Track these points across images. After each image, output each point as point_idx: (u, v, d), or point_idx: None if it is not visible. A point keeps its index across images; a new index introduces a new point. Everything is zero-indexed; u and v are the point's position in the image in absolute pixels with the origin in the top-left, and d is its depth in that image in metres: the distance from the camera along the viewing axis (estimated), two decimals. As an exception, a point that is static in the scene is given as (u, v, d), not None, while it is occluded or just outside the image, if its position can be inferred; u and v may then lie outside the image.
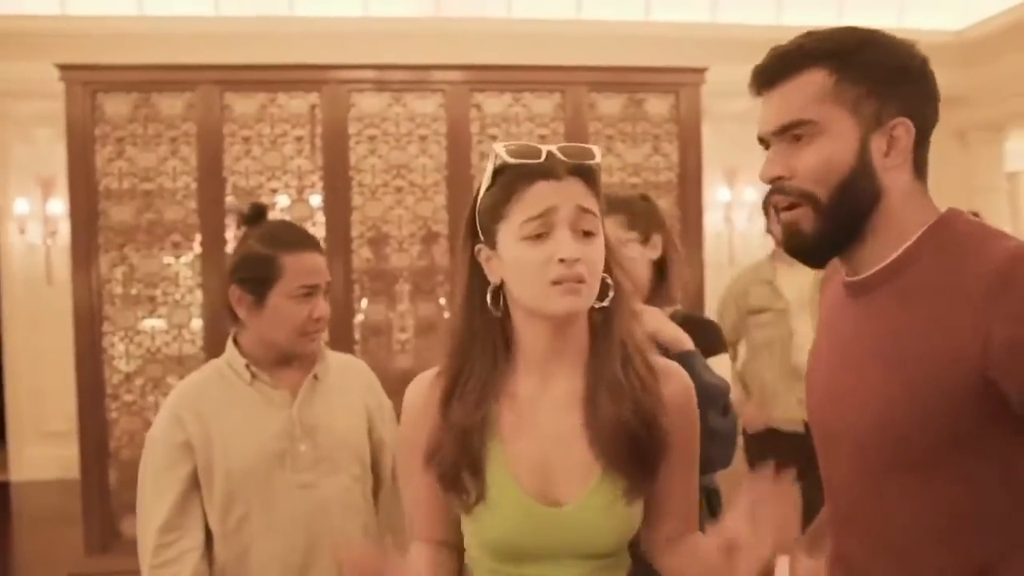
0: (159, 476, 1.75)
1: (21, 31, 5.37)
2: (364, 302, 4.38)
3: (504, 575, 1.24)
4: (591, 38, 5.63)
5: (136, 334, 4.27)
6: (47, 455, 6.46)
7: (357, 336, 4.33)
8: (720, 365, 1.90)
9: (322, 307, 1.80)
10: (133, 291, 4.27)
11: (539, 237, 1.16)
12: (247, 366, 1.80)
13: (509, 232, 1.19)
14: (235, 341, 1.84)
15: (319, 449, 1.78)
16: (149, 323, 4.30)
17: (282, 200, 4.40)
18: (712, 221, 7.22)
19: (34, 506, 6.18)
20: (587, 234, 1.18)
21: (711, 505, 1.97)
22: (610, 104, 4.52)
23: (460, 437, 1.21)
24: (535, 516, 1.20)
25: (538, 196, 1.17)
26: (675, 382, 1.26)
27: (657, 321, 1.81)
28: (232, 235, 4.12)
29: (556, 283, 1.16)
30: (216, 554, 1.76)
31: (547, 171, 1.18)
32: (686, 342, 1.82)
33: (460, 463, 1.21)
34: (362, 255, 4.34)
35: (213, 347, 4.19)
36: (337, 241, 4.27)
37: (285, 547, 1.75)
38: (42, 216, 6.43)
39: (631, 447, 1.19)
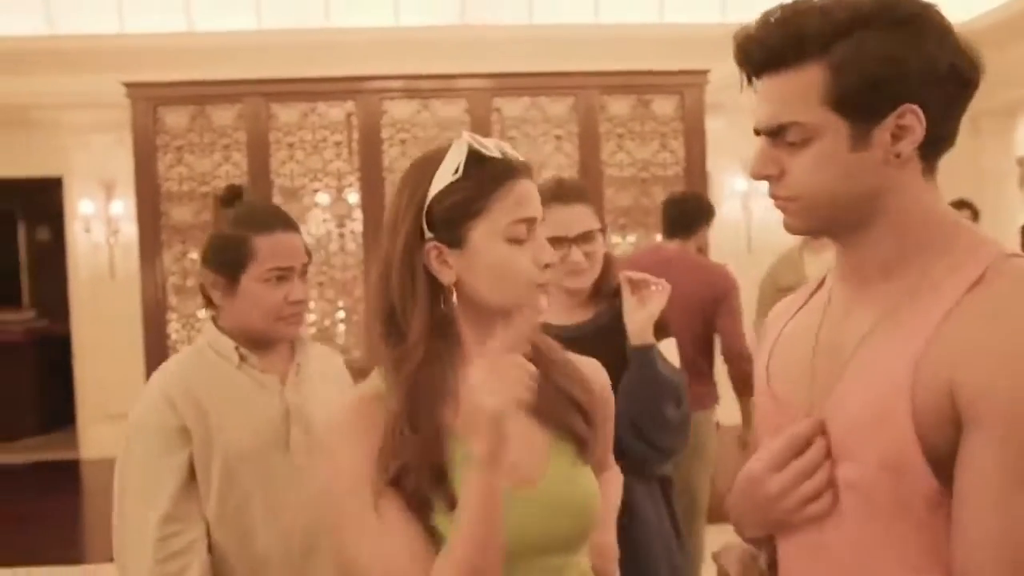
0: (154, 464, 1.61)
1: (81, 48, 5.81)
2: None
3: None
4: (606, 40, 5.97)
5: (196, 321, 4.75)
6: (113, 435, 6.87)
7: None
8: (668, 348, 1.96)
9: (299, 290, 1.69)
10: (194, 283, 4.73)
11: (522, 240, 1.13)
12: (236, 348, 1.69)
13: (490, 230, 1.12)
14: (216, 325, 1.72)
15: (310, 434, 1.68)
16: (208, 312, 4.76)
17: (322, 198, 4.83)
18: (730, 210, 7.53)
19: (102, 481, 6.63)
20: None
21: (665, 492, 2.00)
22: (620, 105, 4.90)
23: (425, 450, 1.10)
24: (515, 503, 1.11)
25: (525, 197, 1.14)
26: (590, 372, 1.32)
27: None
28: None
29: (540, 287, 1.15)
30: (215, 540, 1.63)
31: (522, 169, 1.16)
32: (647, 336, 1.86)
33: (431, 476, 1.10)
34: (396, 247, 4.77)
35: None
36: (373, 235, 4.71)
37: (287, 530, 1.65)
38: (105, 216, 6.82)
39: (576, 413, 1.21)
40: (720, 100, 6.18)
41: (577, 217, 1.91)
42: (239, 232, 1.67)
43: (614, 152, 4.89)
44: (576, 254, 1.88)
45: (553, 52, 5.72)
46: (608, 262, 1.97)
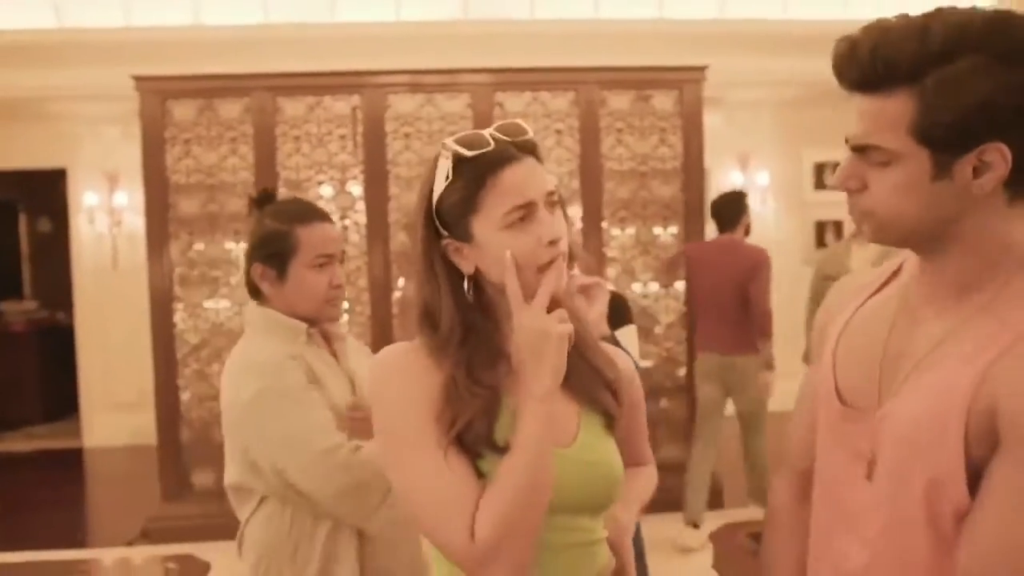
0: (303, 394, 1.72)
1: (90, 41, 5.85)
2: (401, 281, 4.86)
3: None
4: (606, 36, 6.04)
5: (203, 311, 4.83)
6: (116, 423, 6.99)
7: (395, 311, 4.86)
8: (628, 335, 2.14)
9: (339, 275, 1.84)
10: (199, 273, 4.82)
11: (522, 223, 1.18)
12: (307, 327, 1.82)
13: (487, 223, 1.19)
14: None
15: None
16: (213, 301, 4.86)
17: (326, 191, 4.90)
18: (726, 204, 7.66)
19: (106, 469, 6.70)
20: (553, 207, 1.22)
21: None
22: (619, 100, 4.97)
23: (485, 406, 1.18)
24: (555, 459, 1.18)
25: (513, 184, 1.18)
26: (616, 357, 1.38)
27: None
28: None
29: (546, 266, 1.18)
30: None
31: (508, 156, 1.19)
32: (603, 328, 1.99)
33: (487, 427, 1.18)
34: (399, 239, 4.82)
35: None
36: (376, 227, 4.79)
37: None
38: (108, 207, 6.90)
39: (605, 388, 1.28)
40: (717, 95, 6.28)
41: None
42: (283, 226, 1.81)
43: (614, 146, 4.98)
44: None
45: (554, 47, 5.79)
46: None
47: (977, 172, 0.98)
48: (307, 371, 1.77)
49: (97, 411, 7.15)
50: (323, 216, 1.86)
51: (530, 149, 1.22)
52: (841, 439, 1.15)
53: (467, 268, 1.22)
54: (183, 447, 4.81)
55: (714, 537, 2.99)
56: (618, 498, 1.30)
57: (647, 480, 1.53)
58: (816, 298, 4.36)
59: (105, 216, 6.95)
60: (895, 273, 1.19)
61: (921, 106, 0.97)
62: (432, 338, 1.23)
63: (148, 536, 4.74)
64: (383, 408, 1.21)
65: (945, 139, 0.97)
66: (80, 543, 4.93)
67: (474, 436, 1.17)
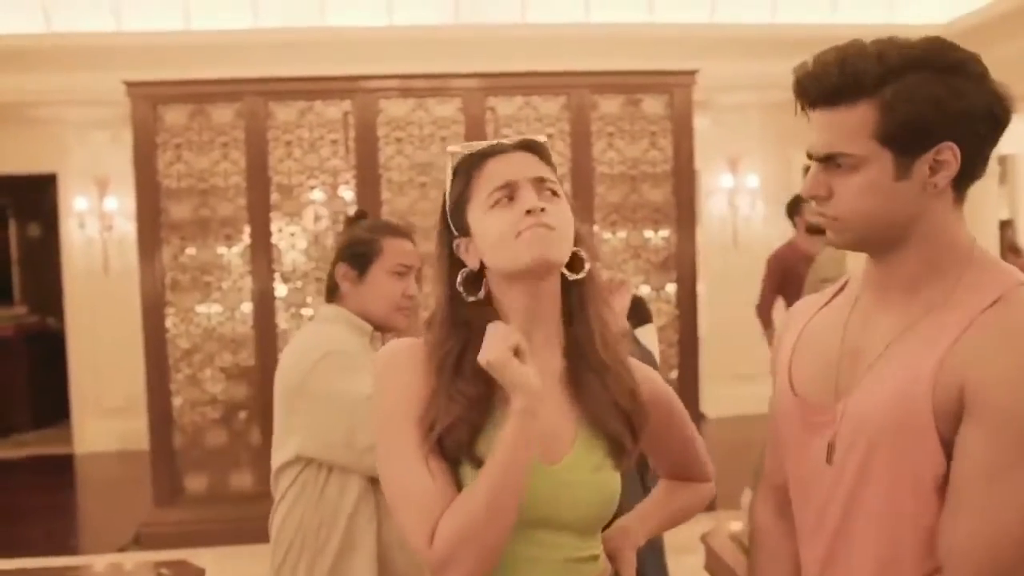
0: (365, 361, 1.83)
1: (80, 46, 5.84)
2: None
3: (506, 552, 1.20)
4: (597, 40, 6.07)
5: (194, 315, 4.83)
6: (107, 429, 6.96)
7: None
8: (647, 334, 2.22)
9: (413, 287, 1.99)
10: (191, 278, 4.81)
11: (507, 202, 1.22)
12: (373, 331, 1.98)
13: (477, 209, 1.24)
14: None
15: None
16: (204, 306, 4.86)
17: (318, 195, 4.90)
18: (716, 206, 7.65)
19: (97, 474, 6.68)
20: (553, 193, 1.25)
21: (641, 474, 2.16)
22: (610, 104, 4.99)
23: (470, 403, 1.20)
24: (538, 474, 1.19)
25: (496, 170, 1.24)
26: (643, 380, 1.34)
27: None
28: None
29: (524, 231, 1.20)
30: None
31: (497, 149, 1.27)
32: (622, 324, 2.05)
33: (472, 428, 1.20)
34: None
35: (262, 327, 4.76)
36: (369, 231, 4.80)
37: None
38: (99, 212, 6.87)
39: (616, 414, 1.26)
40: (708, 99, 6.31)
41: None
42: (372, 235, 2.00)
43: (604, 150, 5.00)
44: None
45: (545, 52, 5.81)
46: None
47: (933, 171, 1.11)
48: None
49: (88, 417, 7.12)
50: (408, 234, 2.04)
51: (528, 145, 1.28)
52: (803, 438, 1.24)
53: (472, 262, 1.26)
54: (175, 452, 4.80)
55: (706, 538, 3.02)
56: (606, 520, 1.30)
57: (689, 497, 1.47)
58: None
59: (96, 221, 6.92)
60: (841, 288, 1.32)
61: (882, 113, 1.10)
62: (428, 332, 1.27)
63: (140, 542, 4.72)
64: (379, 400, 1.25)
65: (905, 140, 1.10)
66: (72, 550, 4.92)
67: (454, 444, 1.19)
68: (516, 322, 1.24)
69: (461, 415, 1.19)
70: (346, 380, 1.83)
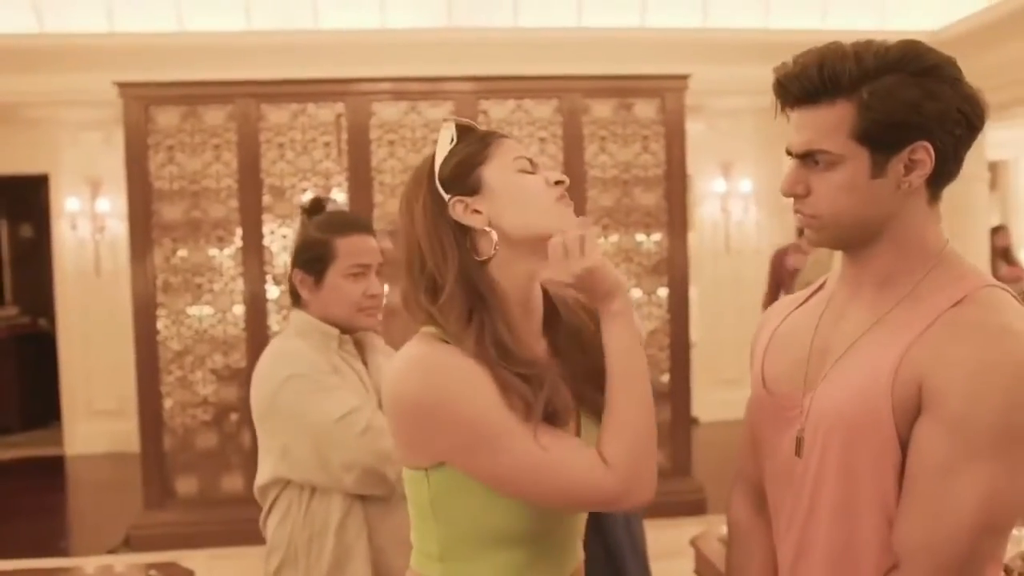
0: (323, 377, 1.82)
1: (72, 46, 5.82)
2: (386, 287, 4.89)
3: (526, 561, 1.23)
4: (589, 44, 6.08)
5: (186, 317, 4.82)
6: (97, 431, 6.93)
7: (379, 316, 4.86)
8: None
9: (375, 285, 1.92)
10: (182, 280, 4.81)
11: (530, 171, 1.25)
12: (340, 334, 1.91)
13: (500, 167, 1.23)
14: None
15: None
16: (196, 308, 4.85)
17: (310, 197, 4.90)
18: (709, 211, 7.67)
19: (87, 476, 6.66)
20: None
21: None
22: (602, 108, 5.00)
23: (540, 377, 1.20)
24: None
25: (516, 147, 1.27)
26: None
27: None
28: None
29: (560, 200, 1.23)
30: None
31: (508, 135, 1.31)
32: None
33: (563, 393, 1.22)
34: (383, 245, 4.84)
35: (254, 329, 4.75)
36: (361, 234, 4.79)
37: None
38: (91, 214, 6.86)
39: (600, 387, 1.23)
40: (700, 103, 6.32)
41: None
42: (323, 236, 1.91)
43: (597, 154, 5.00)
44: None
45: (538, 55, 5.81)
46: None
47: (908, 169, 1.15)
48: (332, 371, 1.85)
49: (79, 418, 7.09)
50: (363, 228, 1.95)
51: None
52: (775, 433, 1.27)
53: (480, 222, 1.22)
54: (166, 455, 4.79)
55: (695, 542, 3.03)
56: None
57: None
58: None
59: (87, 222, 6.91)
60: (819, 288, 1.35)
61: (859, 112, 1.13)
62: (433, 304, 1.22)
63: (130, 544, 4.71)
64: (448, 412, 1.17)
65: (881, 138, 1.13)
66: (62, 551, 4.90)
67: (557, 410, 1.20)
68: (516, 298, 1.24)
69: (543, 384, 1.18)
70: (308, 404, 1.79)
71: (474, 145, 1.24)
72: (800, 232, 5.09)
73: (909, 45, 1.14)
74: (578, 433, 1.25)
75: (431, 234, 1.23)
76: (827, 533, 1.19)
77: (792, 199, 1.23)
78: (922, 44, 1.14)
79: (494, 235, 1.22)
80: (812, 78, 1.14)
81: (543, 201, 1.22)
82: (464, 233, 1.23)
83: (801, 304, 1.36)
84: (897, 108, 1.11)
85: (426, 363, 1.19)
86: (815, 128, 1.15)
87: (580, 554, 1.34)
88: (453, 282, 1.21)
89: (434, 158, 1.26)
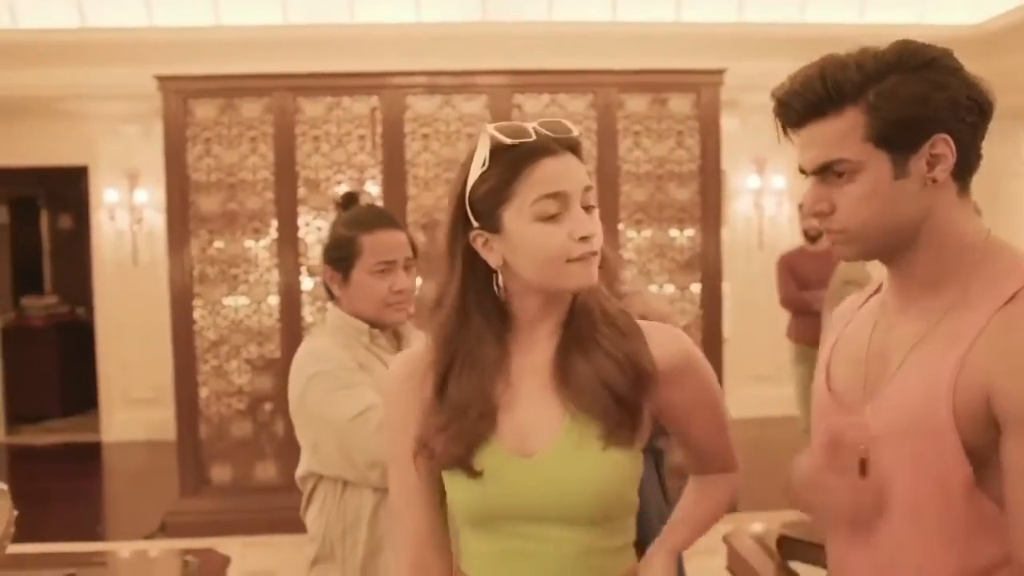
0: (346, 374, 1.83)
1: (112, 41, 5.92)
2: (419, 280, 4.91)
3: (498, 549, 1.23)
4: (623, 38, 6.06)
5: (222, 308, 4.88)
6: (134, 419, 7.06)
7: (412, 309, 4.89)
8: None
9: (402, 280, 1.90)
10: (218, 271, 4.88)
11: (554, 217, 1.16)
12: (369, 328, 1.92)
13: (519, 212, 1.17)
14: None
15: None
16: (231, 299, 4.91)
17: (344, 190, 4.92)
18: (742, 207, 7.62)
19: (124, 463, 6.78)
20: (589, 208, 1.19)
21: (657, 463, 2.14)
22: (637, 103, 4.99)
23: (460, 415, 1.20)
24: (510, 467, 1.19)
25: (547, 174, 1.16)
26: (663, 342, 1.25)
27: (643, 304, 2.04)
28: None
29: (575, 260, 1.16)
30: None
31: (547, 148, 1.17)
32: (671, 319, 2.03)
33: (461, 440, 1.20)
34: (417, 239, 4.85)
35: (288, 320, 4.80)
36: (394, 227, 4.83)
37: None
38: (129, 205, 6.96)
39: (606, 392, 1.19)
40: (734, 98, 6.27)
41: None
42: (348, 233, 1.92)
43: (631, 149, 4.99)
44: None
45: (572, 49, 5.81)
46: None
47: (930, 165, 1.12)
48: (357, 368, 1.86)
49: (116, 406, 7.21)
50: (389, 223, 1.94)
51: (572, 146, 1.20)
52: (834, 435, 1.23)
53: (495, 260, 1.20)
54: (201, 443, 4.86)
55: (728, 539, 3.02)
56: (608, 509, 1.22)
57: (716, 493, 1.36)
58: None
59: (126, 213, 7.01)
60: (877, 289, 1.31)
61: (870, 115, 1.11)
62: (432, 317, 1.25)
63: (166, 530, 4.79)
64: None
65: (897, 137, 1.11)
66: (98, 536, 4.99)
67: (450, 459, 1.21)
68: (525, 323, 1.24)
69: (460, 431, 1.21)
70: (330, 402, 1.81)
71: (504, 175, 1.17)
72: (807, 238, 5.07)
73: (904, 44, 1.13)
74: (553, 441, 1.21)
75: (449, 249, 1.24)
76: (903, 548, 1.16)
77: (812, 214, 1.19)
78: (916, 41, 1.14)
79: (501, 278, 1.22)
80: (816, 90, 1.12)
81: (557, 263, 1.17)
82: (473, 259, 1.23)
83: (863, 304, 1.32)
84: (906, 104, 1.10)
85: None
86: (826, 141, 1.13)
87: None
88: (452, 299, 1.24)
89: (468, 173, 1.21)
